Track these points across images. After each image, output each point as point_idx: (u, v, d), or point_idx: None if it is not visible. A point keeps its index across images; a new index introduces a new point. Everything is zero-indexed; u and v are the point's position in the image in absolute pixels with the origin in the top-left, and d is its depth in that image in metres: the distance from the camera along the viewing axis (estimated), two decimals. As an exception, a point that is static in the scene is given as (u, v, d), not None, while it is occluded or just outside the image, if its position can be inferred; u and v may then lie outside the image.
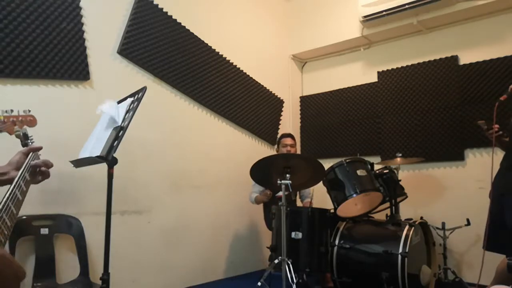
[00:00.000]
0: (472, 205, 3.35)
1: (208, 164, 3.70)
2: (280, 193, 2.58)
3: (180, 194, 3.43)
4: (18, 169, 1.29)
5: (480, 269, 2.16)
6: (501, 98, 2.31)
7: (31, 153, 1.38)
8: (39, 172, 1.35)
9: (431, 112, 3.78)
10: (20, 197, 1.11)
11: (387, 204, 3.05)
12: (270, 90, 4.41)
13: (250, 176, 2.72)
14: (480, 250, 2.51)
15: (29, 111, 1.81)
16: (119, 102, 2.05)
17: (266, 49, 4.46)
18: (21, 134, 1.72)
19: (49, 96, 2.67)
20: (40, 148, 1.45)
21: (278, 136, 3.89)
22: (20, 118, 1.75)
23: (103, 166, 1.84)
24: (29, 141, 1.72)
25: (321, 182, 3.03)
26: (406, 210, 3.43)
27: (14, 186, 1.11)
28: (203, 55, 3.67)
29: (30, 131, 1.79)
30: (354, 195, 2.81)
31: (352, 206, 3.02)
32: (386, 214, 3.05)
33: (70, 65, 2.75)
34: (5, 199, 1.02)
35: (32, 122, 1.80)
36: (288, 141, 3.65)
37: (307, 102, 4.79)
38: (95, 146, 1.90)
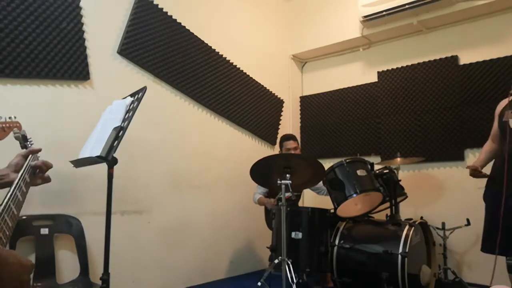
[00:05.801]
0: (472, 205, 3.32)
1: (208, 164, 3.70)
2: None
3: (180, 194, 3.43)
4: (16, 171, 1.30)
5: (492, 272, 2.12)
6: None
7: (30, 155, 1.39)
8: (38, 176, 1.35)
9: (431, 112, 3.78)
10: (21, 198, 1.12)
11: (387, 204, 3.04)
12: (270, 90, 4.41)
13: (250, 176, 2.71)
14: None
15: (15, 117, 1.81)
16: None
17: (266, 49, 4.46)
18: (20, 136, 1.73)
19: (49, 96, 2.67)
20: (39, 150, 1.45)
21: (280, 136, 3.76)
22: (7, 125, 1.75)
23: (103, 166, 1.84)
24: (28, 143, 1.72)
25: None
26: (406, 210, 3.42)
27: (15, 187, 1.12)
28: (203, 55, 3.67)
29: (28, 132, 1.79)
30: (354, 195, 2.81)
31: (352, 206, 3.01)
32: (386, 214, 3.05)
33: (70, 65, 2.75)
34: (6, 200, 1.03)
35: (18, 128, 1.79)
36: (291, 144, 3.52)
37: (307, 102, 4.78)
38: (95, 146, 1.90)
